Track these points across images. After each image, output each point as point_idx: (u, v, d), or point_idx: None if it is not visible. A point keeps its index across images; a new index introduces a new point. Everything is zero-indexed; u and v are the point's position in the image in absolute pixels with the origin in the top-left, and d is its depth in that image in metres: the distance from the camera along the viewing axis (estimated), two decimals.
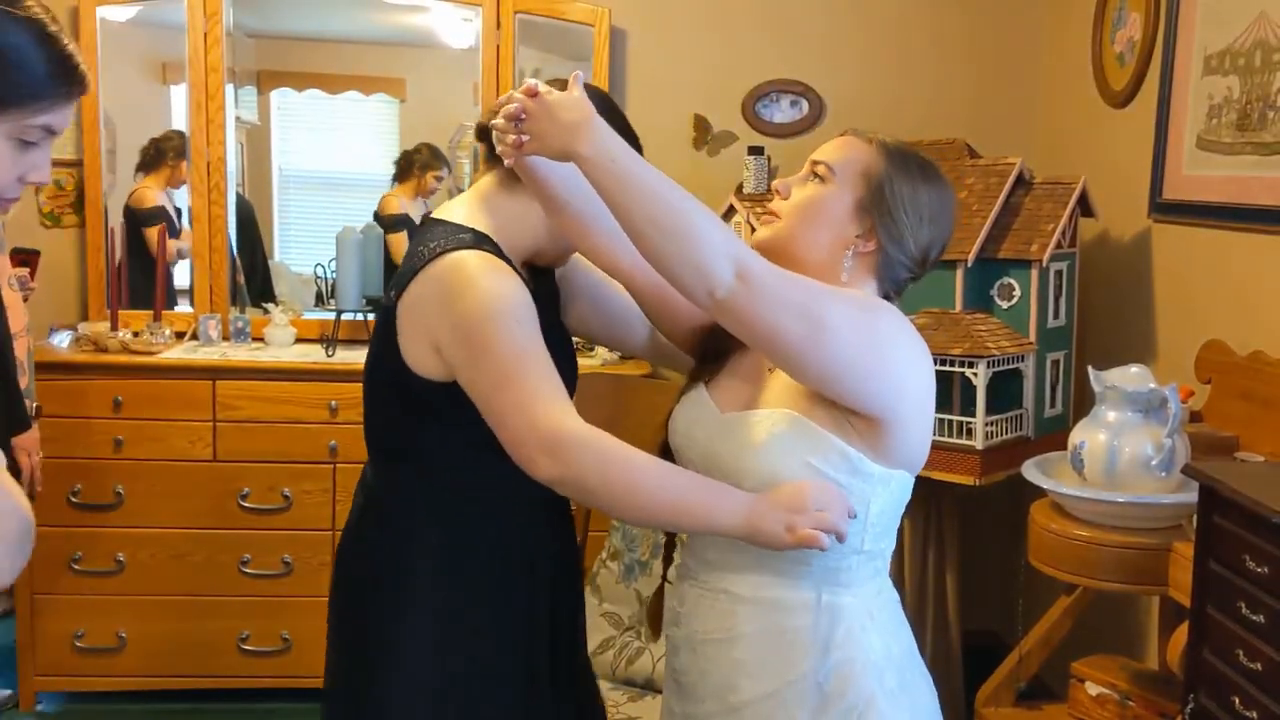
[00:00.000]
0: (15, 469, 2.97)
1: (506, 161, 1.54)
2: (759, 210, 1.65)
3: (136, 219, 3.80)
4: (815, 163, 1.65)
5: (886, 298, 1.66)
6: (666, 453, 1.69)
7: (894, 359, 1.53)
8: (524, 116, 1.46)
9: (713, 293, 1.43)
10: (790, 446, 1.53)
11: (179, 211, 3.89)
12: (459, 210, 1.70)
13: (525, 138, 1.47)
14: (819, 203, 1.62)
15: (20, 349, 2.96)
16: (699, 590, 1.64)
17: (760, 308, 1.44)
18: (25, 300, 3.20)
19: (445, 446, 1.68)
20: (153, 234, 3.79)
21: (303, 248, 4.16)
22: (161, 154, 3.83)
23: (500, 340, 1.52)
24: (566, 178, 1.59)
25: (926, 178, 1.65)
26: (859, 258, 1.62)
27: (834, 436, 1.53)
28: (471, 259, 1.58)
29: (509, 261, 1.63)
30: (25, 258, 3.34)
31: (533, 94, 1.46)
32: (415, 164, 4.01)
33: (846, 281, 1.61)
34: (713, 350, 1.70)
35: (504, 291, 1.55)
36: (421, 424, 1.67)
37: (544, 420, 1.48)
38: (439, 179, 4.02)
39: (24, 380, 3.00)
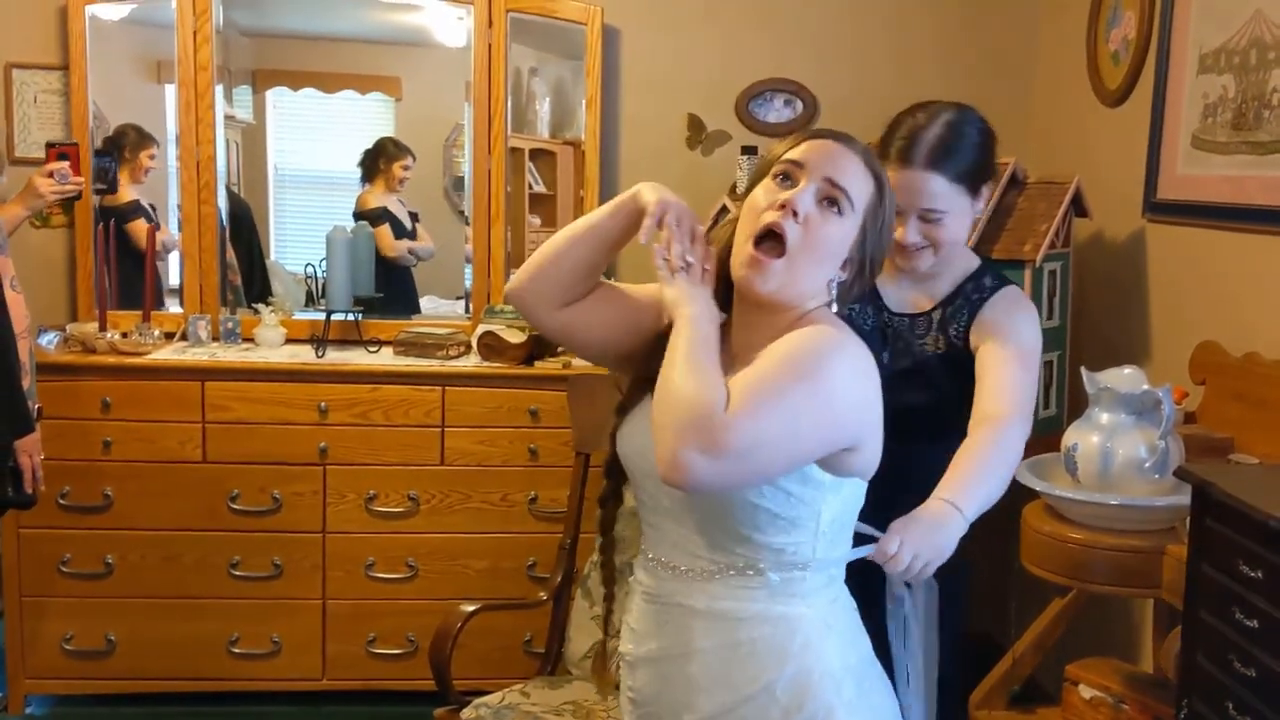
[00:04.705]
0: (17, 470, 2.95)
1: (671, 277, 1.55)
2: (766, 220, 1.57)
3: (115, 216, 3.77)
4: (835, 185, 1.53)
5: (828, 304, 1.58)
6: (615, 467, 1.68)
7: (852, 401, 1.48)
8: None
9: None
10: None
11: (153, 207, 3.86)
12: None
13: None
14: (840, 243, 1.54)
15: (22, 350, 2.94)
16: (654, 607, 1.62)
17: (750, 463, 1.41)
18: (79, 198, 3.39)
19: None
20: (135, 229, 3.76)
21: (299, 247, 4.12)
22: (119, 150, 3.80)
23: None
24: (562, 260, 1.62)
25: (891, 193, 1.61)
26: (833, 283, 1.56)
27: None
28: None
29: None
30: (64, 150, 3.27)
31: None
32: (380, 159, 4.00)
33: (828, 303, 1.56)
34: (647, 373, 1.60)
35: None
36: None
37: None
38: (407, 168, 4.00)
39: (26, 381, 2.98)
